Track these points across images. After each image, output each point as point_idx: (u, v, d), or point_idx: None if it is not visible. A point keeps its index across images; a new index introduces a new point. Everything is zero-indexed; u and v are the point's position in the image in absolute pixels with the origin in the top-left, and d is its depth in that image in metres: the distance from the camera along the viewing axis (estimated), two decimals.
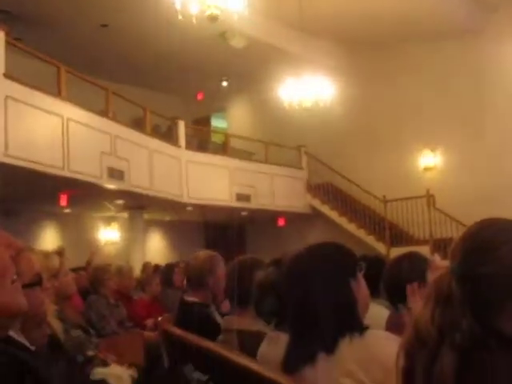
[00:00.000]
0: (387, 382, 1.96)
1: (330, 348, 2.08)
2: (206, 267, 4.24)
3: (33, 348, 2.23)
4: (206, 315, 4.08)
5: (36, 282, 2.22)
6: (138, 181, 13.47)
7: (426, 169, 17.00)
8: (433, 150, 16.83)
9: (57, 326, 3.42)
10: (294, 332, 2.26)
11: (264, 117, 20.07)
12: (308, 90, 14.35)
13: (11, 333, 2.05)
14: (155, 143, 14.59)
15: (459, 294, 1.45)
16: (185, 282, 7.85)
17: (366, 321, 2.26)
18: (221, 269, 4.28)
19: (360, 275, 2.29)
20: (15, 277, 1.11)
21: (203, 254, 4.41)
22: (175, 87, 19.54)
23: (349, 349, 2.06)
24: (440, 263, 3.27)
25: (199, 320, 3.97)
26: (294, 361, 2.19)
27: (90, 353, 4.45)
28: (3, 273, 1.08)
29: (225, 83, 20.07)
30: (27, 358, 1.95)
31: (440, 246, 14.19)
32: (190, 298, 4.25)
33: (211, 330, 3.66)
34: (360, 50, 17.36)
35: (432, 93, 16.43)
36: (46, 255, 3.60)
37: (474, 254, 1.48)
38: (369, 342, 2.08)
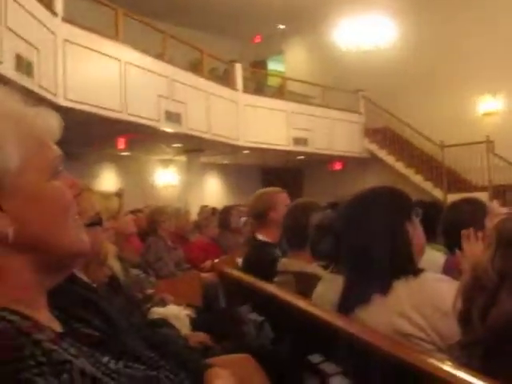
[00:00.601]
0: (441, 323, 1.97)
1: (385, 289, 2.10)
2: (268, 202, 4.25)
3: (94, 286, 2.30)
4: (273, 257, 3.93)
5: (96, 222, 2.27)
6: (196, 124, 13.50)
7: (486, 114, 16.56)
8: (494, 95, 16.40)
9: (117, 266, 3.50)
10: (350, 274, 2.28)
11: (322, 60, 19.81)
12: (367, 32, 14.08)
13: (75, 271, 2.12)
14: (212, 86, 14.55)
15: None
16: (242, 222, 7.93)
17: (422, 265, 2.26)
18: (283, 206, 4.24)
19: (416, 220, 2.27)
20: (77, 217, 1.13)
21: (268, 190, 4.42)
22: (232, 30, 19.38)
23: (403, 290, 2.08)
24: (499, 209, 3.23)
25: (267, 262, 3.91)
26: (350, 302, 2.21)
27: (149, 291, 4.56)
28: (67, 208, 1.10)
29: (282, 26, 19.82)
30: (91, 296, 2.02)
31: (499, 192, 13.96)
32: (261, 237, 4.24)
33: (275, 272, 3.64)
34: None
35: (494, 35, 15.88)
36: (106, 196, 3.65)
37: None
38: (423, 284, 2.09)
